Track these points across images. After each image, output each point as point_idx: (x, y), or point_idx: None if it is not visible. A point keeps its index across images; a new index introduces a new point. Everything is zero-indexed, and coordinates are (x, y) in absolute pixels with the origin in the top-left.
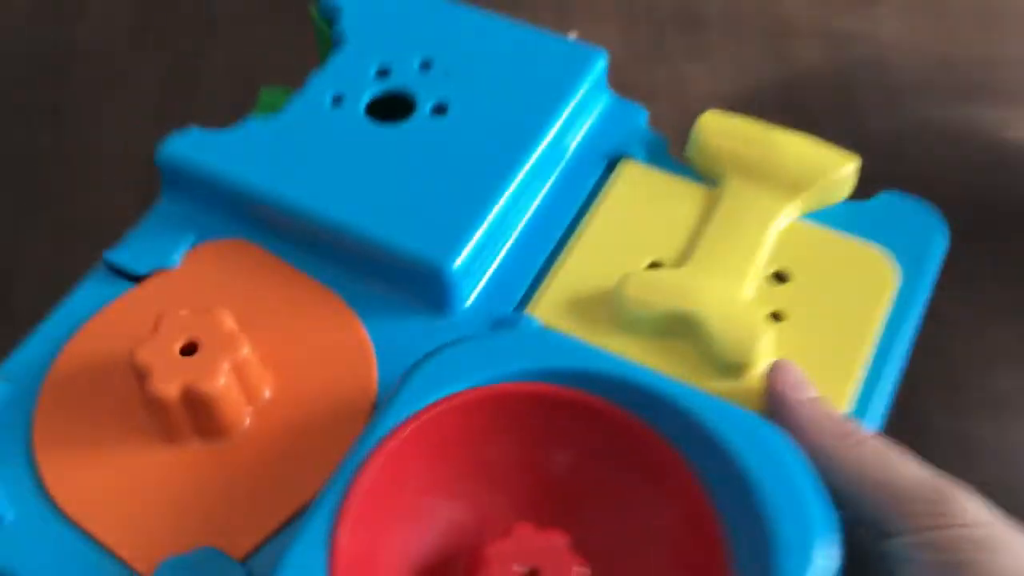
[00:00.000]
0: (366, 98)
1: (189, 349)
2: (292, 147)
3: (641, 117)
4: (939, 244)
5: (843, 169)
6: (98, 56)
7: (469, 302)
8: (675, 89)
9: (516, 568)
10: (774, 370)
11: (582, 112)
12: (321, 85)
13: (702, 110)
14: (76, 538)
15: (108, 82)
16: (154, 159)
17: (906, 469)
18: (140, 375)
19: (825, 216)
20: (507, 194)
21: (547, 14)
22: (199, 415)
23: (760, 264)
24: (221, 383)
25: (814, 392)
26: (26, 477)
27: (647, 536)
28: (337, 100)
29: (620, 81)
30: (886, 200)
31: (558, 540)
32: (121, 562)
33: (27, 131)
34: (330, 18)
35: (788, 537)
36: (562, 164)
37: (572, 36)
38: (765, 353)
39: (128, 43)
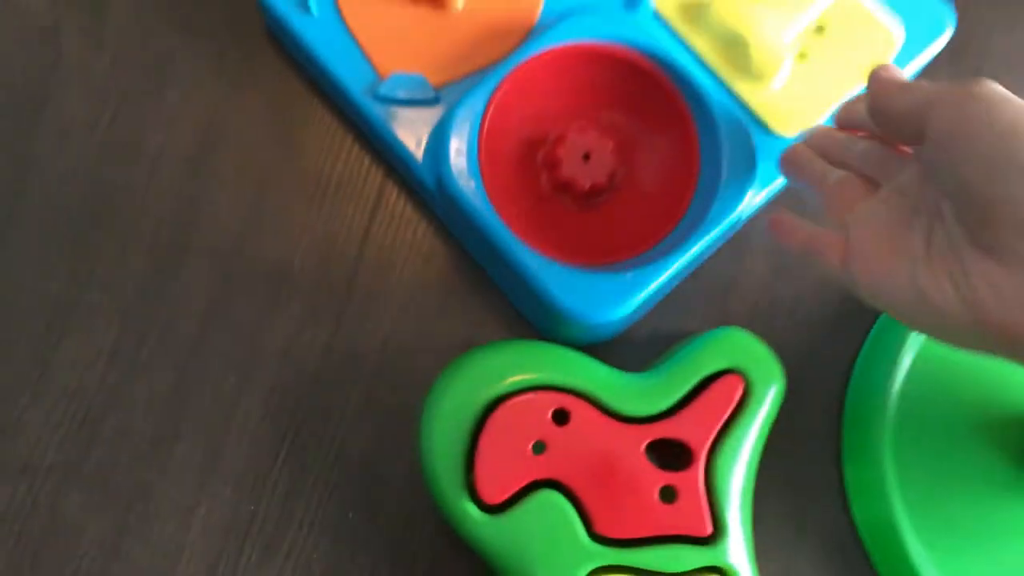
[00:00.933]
0: None
1: None
2: None
3: None
4: (942, 25)
5: None
6: None
7: None
8: None
9: (579, 145)
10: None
11: None
12: None
13: None
14: (349, 38)
15: None
16: None
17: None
18: None
19: None
20: None
21: None
22: None
23: (810, 19)
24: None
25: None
26: (333, 8)
27: (659, 153)
28: None
29: None
30: None
31: (607, 142)
32: (371, 64)
33: None
34: None
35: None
36: None
37: None
38: (779, 77)
39: None
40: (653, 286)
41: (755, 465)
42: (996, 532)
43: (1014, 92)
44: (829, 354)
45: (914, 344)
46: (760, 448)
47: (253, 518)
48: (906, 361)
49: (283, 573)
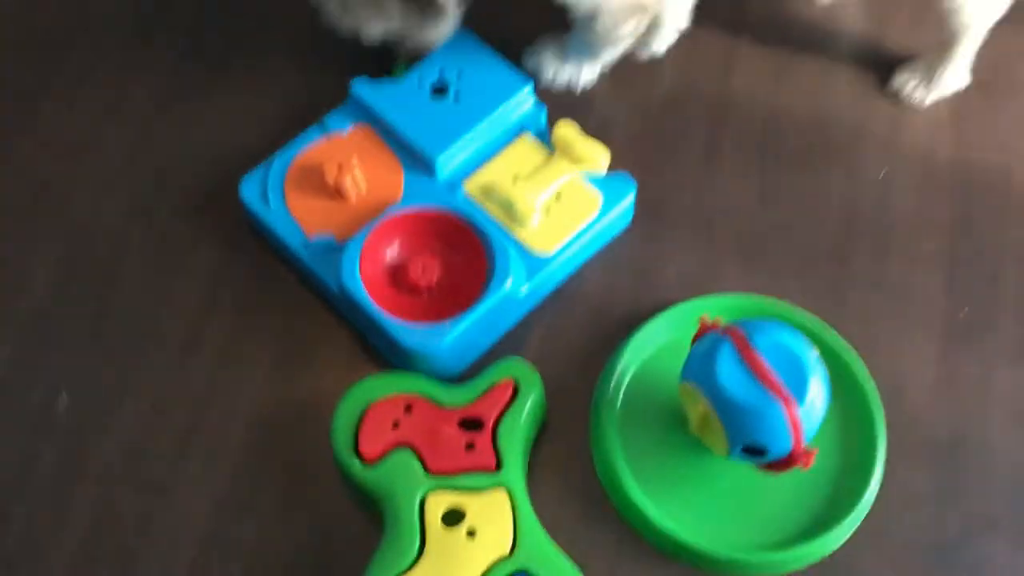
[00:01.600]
0: (430, 84)
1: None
2: (399, 100)
3: (543, 117)
4: (627, 194)
5: (601, 160)
6: None
7: (444, 174)
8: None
9: (418, 264)
10: None
11: (516, 107)
12: (413, 76)
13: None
14: (290, 217)
15: None
16: (350, 90)
17: None
18: (329, 176)
19: (589, 176)
20: (470, 134)
21: None
22: (340, 192)
23: (553, 188)
24: (348, 181)
25: None
26: (282, 202)
27: (465, 265)
28: (421, 81)
29: None
30: (617, 177)
31: (435, 261)
32: (303, 230)
33: None
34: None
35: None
36: (499, 128)
37: None
38: (530, 223)
39: None
40: (457, 331)
41: (524, 431)
42: (688, 476)
43: None
44: (587, 369)
45: (632, 363)
46: (529, 422)
47: None
48: (628, 374)
49: None
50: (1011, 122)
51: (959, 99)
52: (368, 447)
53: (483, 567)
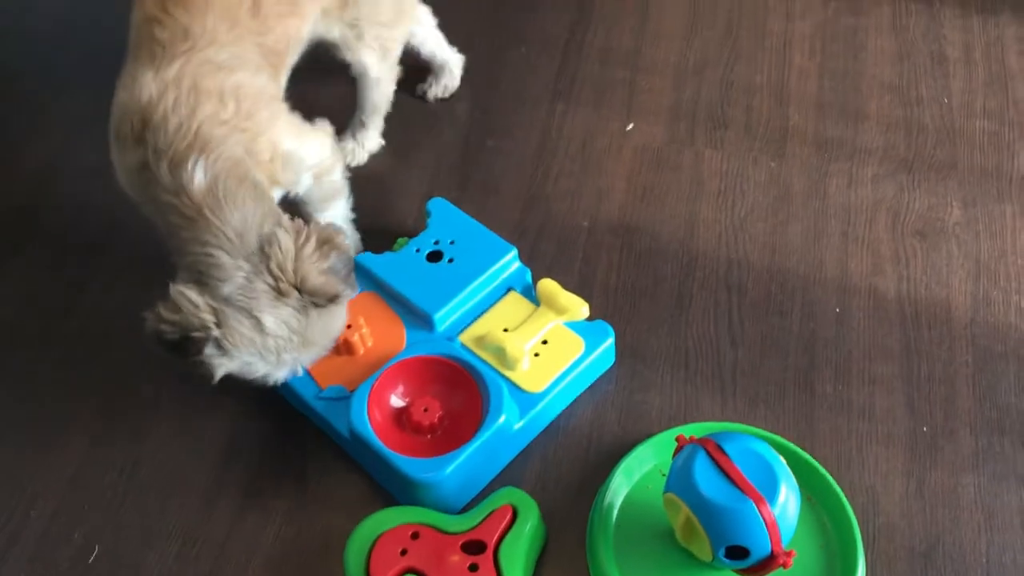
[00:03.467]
0: (426, 251)
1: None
2: (399, 267)
3: (527, 275)
4: (607, 337)
5: (581, 310)
6: None
7: (441, 328)
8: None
9: (420, 406)
10: None
11: (503, 268)
12: (412, 246)
13: None
14: (307, 374)
15: None
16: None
17: None
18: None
19: (572, 324)
20: (463, 294)
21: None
22: (349, 347)
23: (540, 335)
24: (355, 338)
25: None
26: None
27: (462, 405)
28: (418, 251)
29: None
30: (597, 324)
31: (436, 403)
32: (316, 382)
33: None
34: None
35: (494, 409)
36: (489, 287)
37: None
38: (520, 365)
39: None
40: (457, 461)
41: (524, 551)
42: None
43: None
44: (582, 494)
45: (622, 487)
46: (528, 543)
47: None
48: (619, 497)
49: None
50: (944, 261)
51: (898, 243)
52: (379, 572)
53: None
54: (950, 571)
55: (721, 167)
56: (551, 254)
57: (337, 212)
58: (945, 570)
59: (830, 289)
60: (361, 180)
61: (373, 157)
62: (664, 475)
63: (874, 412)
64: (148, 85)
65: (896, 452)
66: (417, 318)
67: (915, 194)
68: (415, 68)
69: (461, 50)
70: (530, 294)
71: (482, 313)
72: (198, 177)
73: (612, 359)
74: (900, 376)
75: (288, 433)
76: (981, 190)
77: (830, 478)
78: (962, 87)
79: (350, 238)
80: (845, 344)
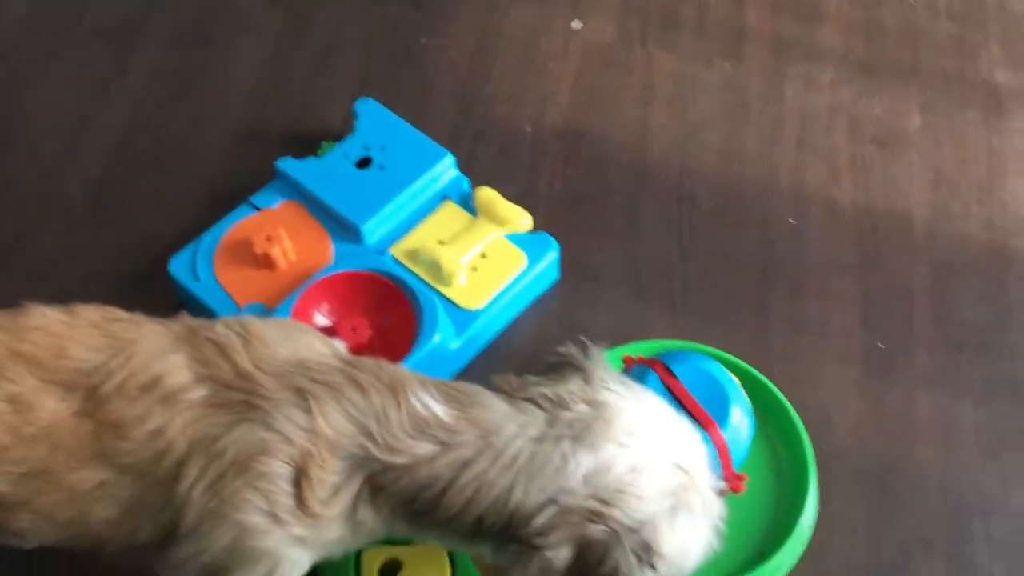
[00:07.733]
0: (354, 158)
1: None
2: (324, 174)
3: (464, 184)
4: (550, 251)
5: (523, 221)
6: None
7: (371, 241)
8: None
9: (351, 329)
10: None
11: (438, 176)
12: (338, 151)
13: None
14: (220, 288)
15: None
16: (275, 167)
17: None
18: (257, 246)
19: (513, 236)
20: (395, 203)
21: None
22: (269, 261)
23: (478, 248)
24: (276, 251)
25: None
26: (212, 276)
27: (395, 323)
28: (345, 157)
29: None
30: (540, 236)
31: (364, 321)
32: (233, 300)
33: None
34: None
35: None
36: (422, 197)
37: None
38: (457, 281)
39: None
40: None
41: None
42: None
43: None
44: None
45: None
46: None
47: None
48: None
49: None
50: (903, 170)
51: (856, 151)
52: None
53: None
54: (905, 492)
55: (674, 69)
56: (490, 161)
57: None
58: (900, 491)
59: (786, 200)
60: (281, 78)
61: (295, 53)
62: None
63: (829, 328)
64: None
65: (851, 370)
66: (344, 229)
67: (874, 100)
68: None
69: None
70: (467, 204)
71: (415, 224)
72: None
73: (556, 274)
74: (857, 291)
75: None
76: (943, 95)
77: (782, 396)
78: None
79: None
80: (800, 258)
